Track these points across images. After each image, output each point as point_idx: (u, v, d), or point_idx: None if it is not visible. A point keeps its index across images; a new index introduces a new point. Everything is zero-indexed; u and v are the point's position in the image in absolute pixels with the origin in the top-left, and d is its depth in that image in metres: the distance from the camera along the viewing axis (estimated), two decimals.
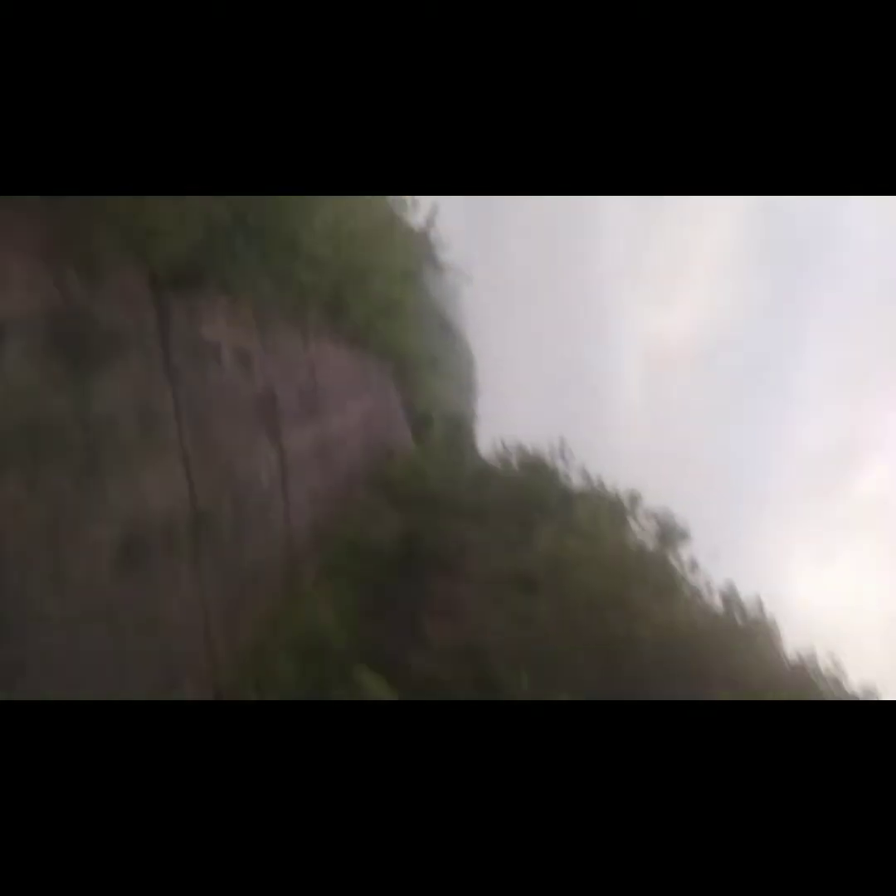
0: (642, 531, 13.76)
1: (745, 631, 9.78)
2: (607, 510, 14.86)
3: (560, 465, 16.29)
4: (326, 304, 10.61)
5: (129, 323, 4.24)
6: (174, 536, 4.45)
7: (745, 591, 10.58)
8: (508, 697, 6.27)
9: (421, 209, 20.25)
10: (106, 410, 3.77)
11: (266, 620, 6.22)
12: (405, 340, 21.55)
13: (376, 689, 5.07)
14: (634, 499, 15.14)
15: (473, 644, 7.14)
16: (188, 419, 4.83)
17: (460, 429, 27.90)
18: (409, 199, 18.34)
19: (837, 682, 8.91)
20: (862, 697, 8.53)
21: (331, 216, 8.59)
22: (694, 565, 11.61)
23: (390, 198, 16.28)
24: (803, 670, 9.16)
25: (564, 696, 5.98)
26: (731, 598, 10.41)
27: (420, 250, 21.54)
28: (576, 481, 16.08)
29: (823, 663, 9.21)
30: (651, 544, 13.00)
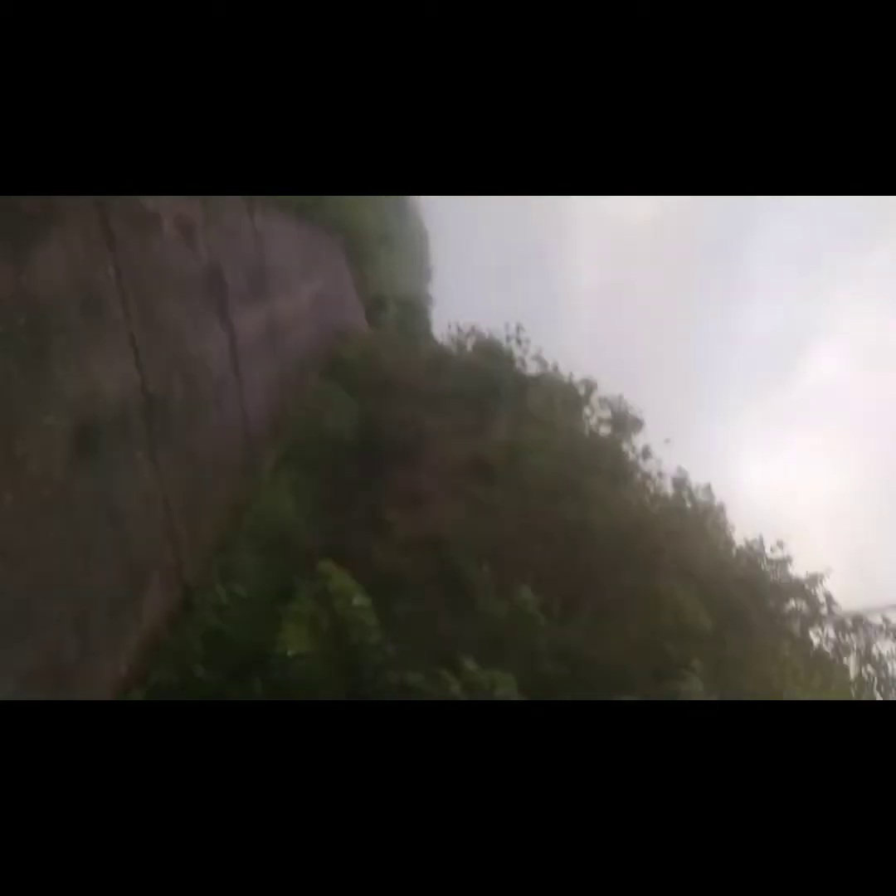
0: (597, 419, 13.98)
1: (695, 516, 10.29)
2: (563, 397, 14.96)
3: (516, 350, 16.02)
4: None
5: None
6: (127, 423, 4.18)
7: (696, 479, 11.04)
8: (469, 586, 6.47)
9: None
10: (48, 290, 3.39)
11: (227, 510, 6.11)
12: (357, 214, 20.31)
13: (341, 581, 5.10)
14: (590, 386, 15.25)
15: (434, 535, 7.23)
16: (133, 297, 4.38)
17: (415, 311, 27.03)
18: None
19: (783, 567, 9.59)
20: (805, 582, 9.21)
21: None
22: (647, 453, 11.96)
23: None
24: (751, 555, 9.79)
25: (524, 588, 6.21)
26: (681, 484, 10.85)
27: None
28: (531, 367, 15.93)
29: (771, 548, 9.84)
30: (605, 431, 13.28)
